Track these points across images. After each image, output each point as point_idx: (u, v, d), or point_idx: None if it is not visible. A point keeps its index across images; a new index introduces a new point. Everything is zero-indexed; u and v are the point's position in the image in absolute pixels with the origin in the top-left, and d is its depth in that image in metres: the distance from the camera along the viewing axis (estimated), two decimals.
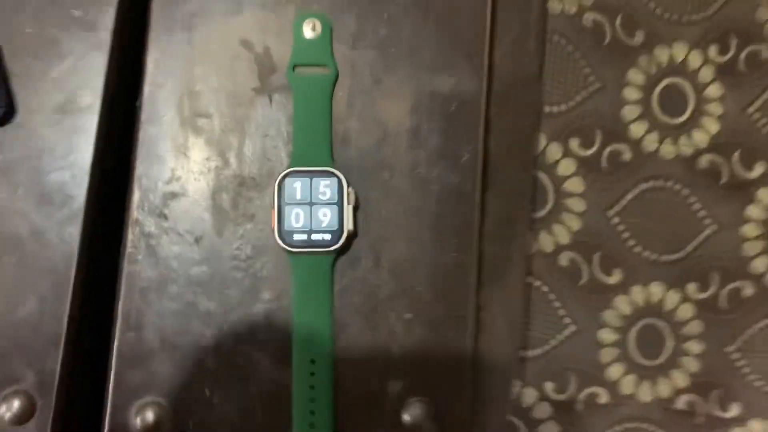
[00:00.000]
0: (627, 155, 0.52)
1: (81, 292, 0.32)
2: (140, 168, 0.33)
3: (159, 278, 0.32)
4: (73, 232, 0.32)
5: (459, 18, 0.34)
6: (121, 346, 0.32)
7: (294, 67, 0.33)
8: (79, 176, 0.32)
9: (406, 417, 0.32)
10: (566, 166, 0.52)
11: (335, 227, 0.32)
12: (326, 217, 0.32)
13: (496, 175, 0.36)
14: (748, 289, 0.52)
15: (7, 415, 0.31)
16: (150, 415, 0.31)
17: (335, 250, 0.32)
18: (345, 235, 0.32)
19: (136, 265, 0.32)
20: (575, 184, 0.52)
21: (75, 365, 0.32)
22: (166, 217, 0.32)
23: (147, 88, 0.33)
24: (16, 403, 0.31)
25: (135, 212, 0.32)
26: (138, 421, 0.31)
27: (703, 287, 0.52)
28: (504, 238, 0.36)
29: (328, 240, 0.32)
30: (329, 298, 0.32)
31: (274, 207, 0.32)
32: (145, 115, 0.33)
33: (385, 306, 0.33)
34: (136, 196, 0.32)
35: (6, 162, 0.32)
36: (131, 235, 0.32)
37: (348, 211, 0.32)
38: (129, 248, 0.32)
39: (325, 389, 0.32)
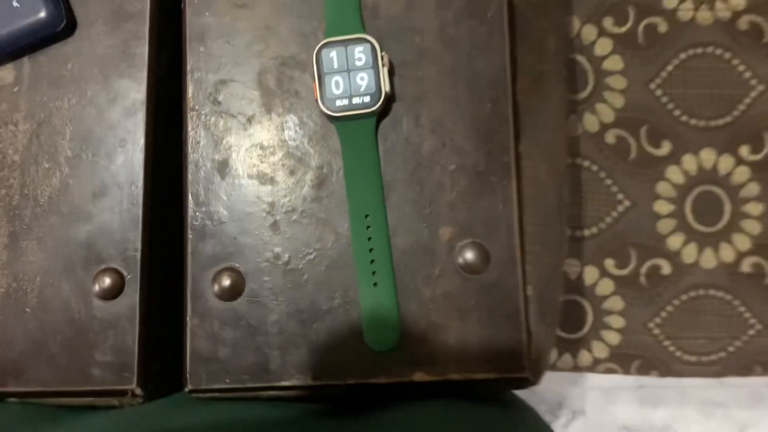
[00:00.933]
0: (663, 27, 0.52)
1: (152, 177, 0.35)
2: (191, 60, 0.35)
3: (220, 158, 0.35)
4: (139, 123, 0.35)
5: None
6: (193, 221, 0.35)
7: None
8: (138, 76, 0.35)
9: (459, 259, 0.34)
10: (603, 46, 0.52)
11: (373, 90, 0.34)
12: (364, 81, 0.34)
13: (525, 30, 0.37)
14: None
15: (100, 292, 0.34)
16: (226, 281, 0.34)
17: (375, 111, 0.34)
18: (383, 96, 0.34)
19: (198, 148, 0.35)
20: (614, 62, 0.52)
21: (155, 243, 0.35)
22: (218, 102, 0.35)
23: None
24: (107, 280, 0.34)
25: (191, 101, 0.35)
26: (215, 287, 0.34)
27: (757, 148, 0.52)
28: (539, 91, 0.37)
29: (367, 102, 0.34)
30: (376, 157, 0.34)
31: (314, 79, 0.34)
32: (189, 12, 0.36)
33: (429, 161, 0.35)
34: (190, 87, 0.35)
35: (74, 70, 0.36)
36: (191, 122, 0.35)
37: (384, 73, 0.34)
38: (190, 134, 0.35)
39: (381, 240, 0.34)
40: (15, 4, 0.34)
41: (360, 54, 0.34)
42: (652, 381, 0.85)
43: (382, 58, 0.34)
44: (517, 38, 0.37)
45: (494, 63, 0.35)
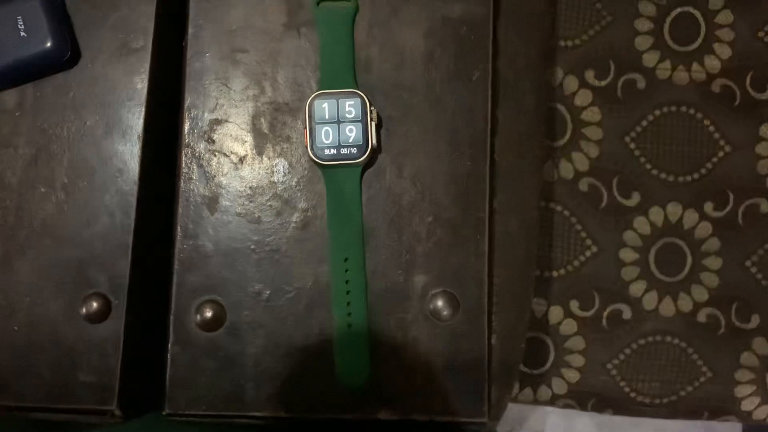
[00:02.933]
0: (641, 83, 0.55)
1: (144, 208, 0.37)
2: (189, 99, 0.37)
3: (210, 194, 0.37)
4: (134, 156, 0.37)
5: None
6: (180, 253, 0.36)
7: (318, 2, 0.37)
8: (136, 109, 0.37)
9: (431, 306, 0.36)
10: (583, 97, 0.55)
11: (360, 142, 0.36)
12: (352, 132, 0.36)
13: (507, 92, 0.39)
14: (765, 206, 0.54)
15: (88, 315, 0.36)
16: (208, 312, 0.36)
17: (361, 162, 0.36)
18: (370, 148, 0.36)
19: (190, 183, 0.37)
20: (592, 114, 0.55)
21: (142, 271, 0.37)
22: (213, 141, 0.37)
23: (190, 30, 0.37)
24: (94, 304, 0.36)
25: (186, 138, 0.37)
26: (198, 317, 0.36)
27: (721, 206, 0.54)
28: (517, 151, 0.39)
29: (354, 153, 0.36)
30: (358, 205, 0.36)
31: (306, 126, 0.36)
32: (190, 53, 0.37)
33: (408, 211, 0.37)
34: (186, 124, 0.37)
35: (75, 99, 0.37)
36: (184, 158, 0.37)
37: (372, 127, 0.36)
38: (183, 169, 0.37)
39: (358, 283, 0.36)
40: (23, 34, 0.36)
41: (350, 107, 0.36)
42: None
43: (371, 113, 0.36)
44: (499, 99, 0.39)
45: (476, 123, 0.37)
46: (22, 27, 0.36)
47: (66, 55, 0.37)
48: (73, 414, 0.36)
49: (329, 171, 0.36)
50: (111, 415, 0.36)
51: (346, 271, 0.36)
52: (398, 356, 0.36)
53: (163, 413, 0.36)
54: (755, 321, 0.54)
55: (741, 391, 0.54)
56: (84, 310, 0.36)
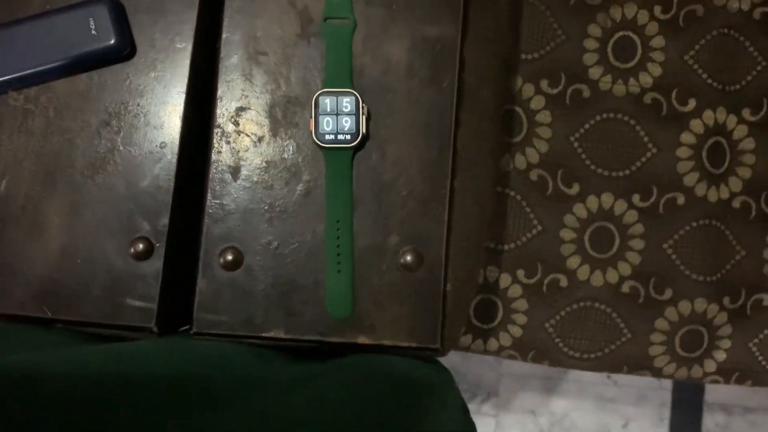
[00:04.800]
0: (586, 93, 0.66)
1: (182, 173, 0.47)
2: (220, 89, 0.48)
3: (234, 164, 0.47)
4: (175, 132, 0.47)
5: None
6: (209, 209, 0.47)
7: (325, 19, 0.48)
8: (179, 95, 0.47)
9: (401, 260, 0.47)
10: (537, 102, 0.66)
11: (354, 130, 0.46)
12: (347, 123, 0.46)
13: (471, 96, 0.50)
14: (681, 199, 0.66)
15: (134, 254, 0.46)
16: (229, 256, 0.46)
17: (353, 146, 0.46)
18: (361, 136, 0.46)
19: (219, 155, 0.47)
20: (544, 116, 0.66)
21: (179, 221, 0.47)
22: (238, 123, 0.47)
23: (224, 35, 0.48)
24: (140, 245, 0.46)
25: (218, 119, 0.47)
26: (221, 260, 0.46)
27: (646, 197, 0.66)
28: (476, 144, 0.50)
29: (348, 139, 0.46)
30: (349, 179, 0.47)
31: (311, 116, 0.46)
32: (222, 53, 0.48)
33: (388, 186, 0.47)
34: (218, 109, 0.47)
35: (131, 85, 0.47)
36: (215, 136, 0.47)
37: (362, 119, 0.46)
38: (214, 144, 0.47)
39: (347, 240, 0.47)
40: (93, 32, 0.46)
41: (347, 103, 0.46)
42: (557, 374, 1.01)
43: (363, 108, 0.46)
44: (464, 102, 0.50)
45: (444, 121, 0.48)
46: (93, 27, 0.46)
47: (125, 50, 0.47)
48: (120, 330, 0.47)
49: (328, 152, 0.47)
50: (150, 331, 0.46)
51: (338, 229, 0.47)
52: (374, 296, 0.47)
53: (191, 332, 0.46)
54: (668, 293, 0.66)
55: (654, 350, 0.66)
56: (132, 249, 0.46)
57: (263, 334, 0.46)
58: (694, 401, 1.05)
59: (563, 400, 1.02)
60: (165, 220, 0.47)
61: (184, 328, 0.48)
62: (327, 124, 0.46)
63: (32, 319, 0.46)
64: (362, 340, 0.46)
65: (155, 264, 0.46)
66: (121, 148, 0.47)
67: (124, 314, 0.46)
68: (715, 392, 1.04)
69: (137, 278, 0.46)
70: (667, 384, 1.02)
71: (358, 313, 0.47)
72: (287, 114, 0.48)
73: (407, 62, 0.48)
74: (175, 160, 0.47)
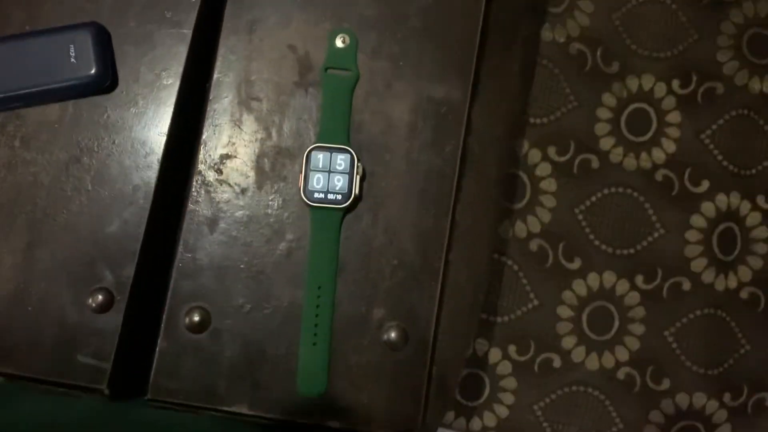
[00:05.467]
0: (595, 164, 0.63)
1: (153, 220, 0.43)
2: (205, 133, 0.44)
3: (212, 216, 0.43)
4: (151, 175, 0.43)
5: (454, 42, 0.45)
6: (179, 263, 0.43)
7: (326, 68, 0.44)
8: (160, 136, 0.44)
9: (385, 336, 0.43)
10: (543, 169, 0.62)
11: (345, 191, 0.42)
12: (339, 182, 0.42)
13: (472, 164, 0.46)
14: (687, 284, 0.62)
15: (93, 305, 0.42)
16: (196, 316, 0.42)
17: (344, 207, 0.43)
18: (352, 196, 0.42)
19: (197, 204, 0.43)
20: (549, 184, 0.63)
21: (145, 274, 0.43)
22: (221, 172, 0.44)
23: (215, 75, 0.44)
24: (99, 297, 0.42)
25: (199, 165, 0.43)
26: (186, 320, 0.42)
27: (650, 279, 0.62)
28: (475, 213, 0.46)
29: (339, 199, 0.42)
30: (336, 243, 0.43)
31: (301, 171, 0.43)
32: (212, 94, 0.44)
33: (377, 253, 0.43)
34: (200, 154, 0.44)
35: (109, 120, 0.44)
36: (195, 183, 0.43)
37: (356, 179, 0.43)
38: (192, 192, 0.43)
39: (327, 309, 0.42)
40: (73, 60, 0.42)
41: (341, 161, 0.43)
42: None
43: (358, 167, 0.43)
44: (465, 167, 0.46)
45: (443, 187, 0.44)
46: (73, 54, 0.42)
47: (106, 82, 0.43)
48: (68, 388, 0.42)
49: (316, 211, 0.43)
50: (101, 393, 0.41)
51: (318, 296, 0.43)
52: (352, 375, 0.42)
53: (145, 398, 0.42)
54: (666, 384, 0.62)
55: None
56: (90, 300, 0.42)
57: (224, 408, 0.42)
58: None
59: None
60: (130, 271, 0.42)
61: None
62: (317, 181, 0.43)
63: None
64: (333, 423, 0.42)
65: (114, 319, 0.42)
66: (89, 187, 0.43)
67: (74, 372, 0.42)
68: None
69: (93, 333, 0.42)
70: None
71: (331, 392, 0.42)
72: (276, 166, 0.44)
73: (410, 122, 0.44)
74: (147, 206, 0.43)
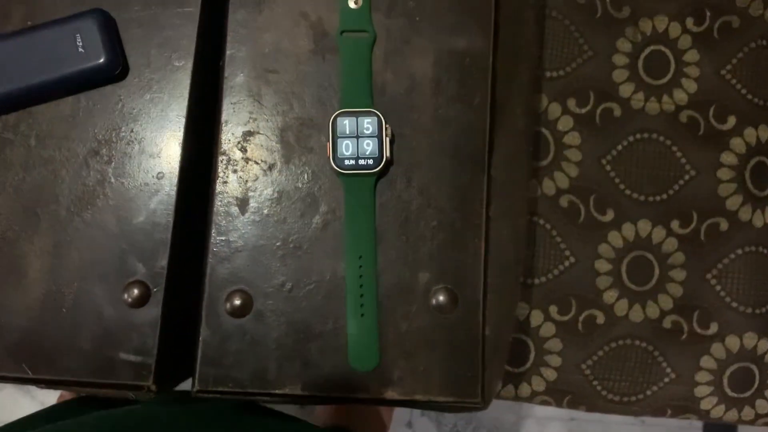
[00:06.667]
0: (617, 112, 0.61)
1: (182, 207, 0.41)
2: (225, 112, 0.42)
3: (242, 196, 0.42)
4: (174, 161, 0.41)
5: None
6: (213, 247, 0.41)
7: (342, 32, 0.42)
8: (178, 120, 0.42)
9: (433, 301, 0.41)
10: (565, 122, 0.61)
11: (376, 154, 0.41)
12: (369, 146, 0.41)
13: (502, 115, 0.44)
14: (724, 224, 0.61)
15: (129, 300, 0.40)
16: (237, 300, 0.40)
17: (376, 172, 0.41)
18: (384, 160, 0.41)
19: (225, 186, 0.42)
20: (573, 138, 0.61)
21: (179, 262, 0.41)
22: (245, 150, 0.42)
23: (228, 51, 0.43)
24: (135, 291, 0.40)
25: (222, 146, 0.42)
26: (227, 305, 0.40)
27: (686, 224, 0.61)
28: (509, 167, 0.45)
29: (371, 164, 0.41)
30: (372, 210, 0.41)
31: (329, 140, 0.41)
32: (227, 72, 0.42)
33: (415, 216, 0.42)
34: (222, 134, 0.42)
35: (124, 108, 0.42)
36: (220, 164, 0.42)
37: (386, 142, 0.41)
38: (219, 174, 0.42)
39: (370, 279, 0.41)
40: (80, 49, 0.41)
41: (368, 125, 0.41)
42: (580, 414, 0.94)
43: (386, 130, 0.41)
44: (496, 121, 0.44)
45: (475, 142, 0.43)
46: (80, 44, 0.41)
47: (117, 70, 0.42)
48: (112, 388, 0.40)
49: (348, 179, 0.41)
50: (147, 390, 0.40)
51: (360, 267, 0.41)
52: (403, 344, 0.41)
53: (193, 390, 0.40)
54: (714, 328, 0.60)
55: (700, 391, 0.60)
56: (125, 295, 0.40)
57: (276, 391, 0.40)
58: None
59: None
60: (163, 261, 0.41)
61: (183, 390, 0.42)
62: (346, 147, 0.41)
63: (9, 379, 0.40)
64: (391, 395, 0.40)
65: (152, 311, 0.40)
66: (112, 180, 0.41)
67: (116, 371, 0.40)
68: (749, 430, 0.98)
69: (132, 328, 0.40)
70: (698, 422, 0.96)
71: (385, 363, 0.41)
72: (301, 138, 0.42)
73: (434, 78, 0.43)
74: (174, 193, 0.41)
